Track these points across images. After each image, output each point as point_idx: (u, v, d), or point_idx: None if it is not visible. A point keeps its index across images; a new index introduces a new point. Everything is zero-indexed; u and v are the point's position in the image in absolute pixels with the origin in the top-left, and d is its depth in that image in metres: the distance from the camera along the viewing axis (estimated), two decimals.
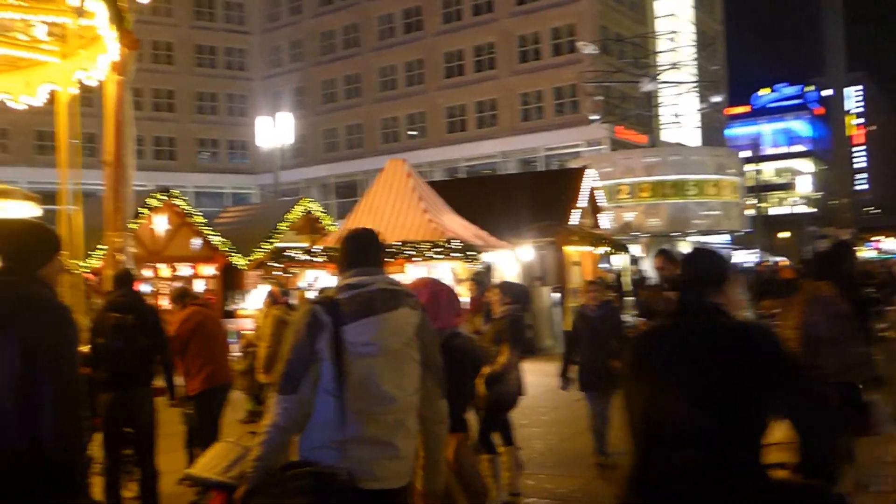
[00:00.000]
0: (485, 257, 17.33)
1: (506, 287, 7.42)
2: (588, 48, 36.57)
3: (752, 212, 46.74)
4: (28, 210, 12.06)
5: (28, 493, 2.97)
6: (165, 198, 22.70)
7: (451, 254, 16.39)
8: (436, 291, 4.66)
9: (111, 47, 12.20)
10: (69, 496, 3.09)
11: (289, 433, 3.24)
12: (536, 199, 21.76)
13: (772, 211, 67.56)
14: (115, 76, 12.73)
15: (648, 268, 26.78)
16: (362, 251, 3.50)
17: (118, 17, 11.79)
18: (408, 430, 3.34)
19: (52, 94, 13.99)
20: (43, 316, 3.07)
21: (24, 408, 2.95)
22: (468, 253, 16.43)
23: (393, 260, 16.25)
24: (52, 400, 2.97)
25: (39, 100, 14.37)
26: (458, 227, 18.95)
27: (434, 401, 3.47)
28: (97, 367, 6.60)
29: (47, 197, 19.23)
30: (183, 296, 8.35)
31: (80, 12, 10.37)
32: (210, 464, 3.63)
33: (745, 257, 48.17)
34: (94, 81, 13.45)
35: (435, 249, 16.42)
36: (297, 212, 26.35)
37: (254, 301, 18.45)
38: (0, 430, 2.96)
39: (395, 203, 19.42)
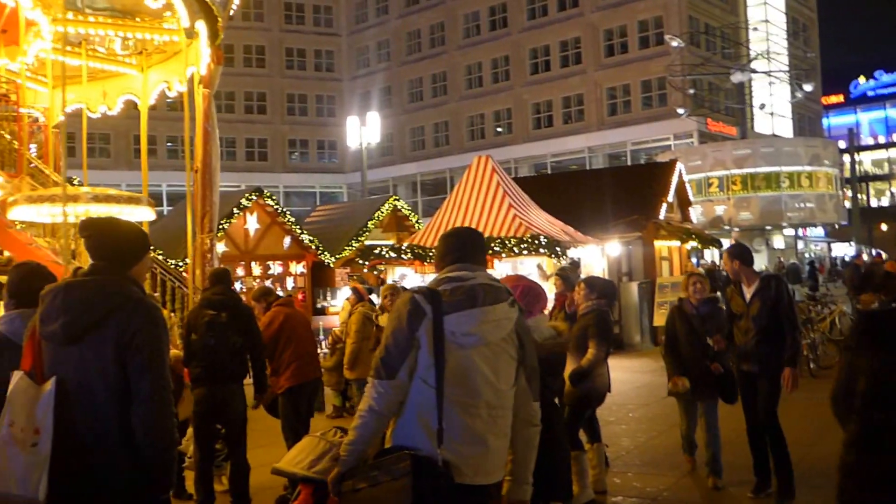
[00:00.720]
0: (571, 253, 17.14)
1: (592, 282, 7.28)
2: (675, 42, 35.78)
3: (848, 204, 44.91)
4: (149, 214, 12.65)
5: (121, 486, 3.06)
6: (257, 198, 23.22)
7: (538, 250, 16.28)
8: (523, 287, 4.66)
9: (202, 61, 12.69)
10: (161, 489, 3.18)
11: (384, 418, 3.26)
12: (624, 193, 21.42)
13: (871, 203, 64.91)
14: (203, 89, 13.29)
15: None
16: (464, 248, 3.52)
17: (214, 35, 12.26)
18: (501, 426, 3.32)
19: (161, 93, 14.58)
20: (135, 315, 3.14)
21: (117, 403, 3.06)
22: (554, 249, 16.28)
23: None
24: (144, 395, 3.06)
25: (116, 109, 15.01)
26: (545, 222, 18.81)
27: (527, 401, 3.46)
28: (190, 362, 6.79)
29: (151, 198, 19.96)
30: (265, 294, 8.49)
31: (190, 33, 10.71)
32: (296, 458, 3.67)
33: (843, 250, 46.35)
34: (174, 93, 13.95)
35: (521, 245, 16.34)
36: (384, 210, 26.60)
37: (342, 298, 18.70)
38: (95, 424, 3.05)
39: (482, 199, 19.38)
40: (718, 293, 11.89)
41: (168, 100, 14.47)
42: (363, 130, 34.73)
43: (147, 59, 13.97)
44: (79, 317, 3.11)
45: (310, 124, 53.81)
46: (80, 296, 3.17)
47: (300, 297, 23.73)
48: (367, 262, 20.02)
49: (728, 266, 6.94)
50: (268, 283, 23.05)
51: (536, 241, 16.39)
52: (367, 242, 24.26)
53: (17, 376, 3.22)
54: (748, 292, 6.79)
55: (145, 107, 13.58)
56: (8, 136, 13.45)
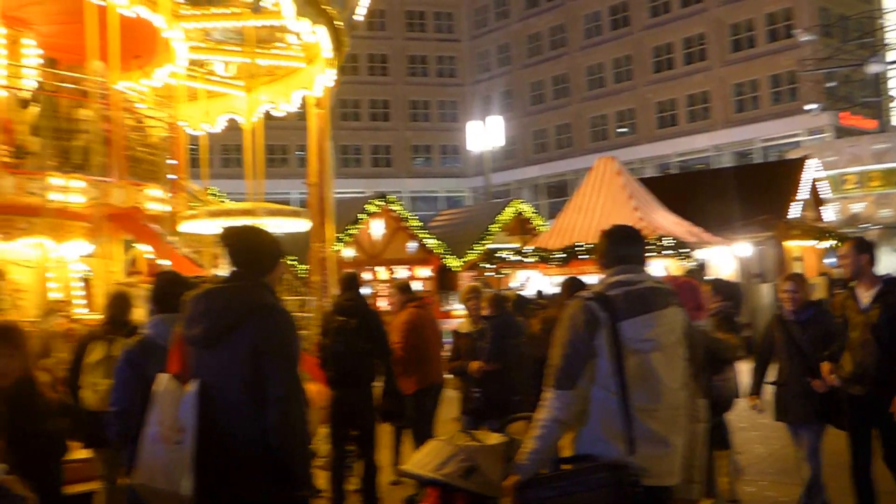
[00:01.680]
0: (698, 254, 16.75)
1: (717, 284, 7.13)
2: (805, 36, 34.26)
3: None
4: (306, 224, 13.34)
5: (260, 483, 3.19)
6: (382, 203, 23.74)
7: (663, 252, 16.01)
8: (686, 287, 4.65)
9: (316, 82, 13.12)
10: (294, 488, 3.30)
11: (565, 427, 3.29)
12: (753, 192, 20.75)
13: None
14: (317, 110, 13.97)
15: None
16: (625, 248, 3.55)
17: (338, 50, 12.74)
18: (680, 426, 3.35)
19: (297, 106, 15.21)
20: (268, 320, 3.25)
21: (253, 404, 3.17)
22: (680, 250, 15.97)
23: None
24: (277, 397, 3.16)
25: (218, 127, 15.72)
26: (670, 224, 18.47)
27: (695, 399, 3.49)
28: (324, 366, 7.04)
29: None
30: (406, 289, 8.58)
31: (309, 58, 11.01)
32: (424, 461, 3.73)
33: None
34: (284, 111, 14.45)
35: (646, 248, 16.11)
36: (508, 213, 26.67)
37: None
38: (234, 423, 3.19)
39: (605, 201, 19.21)
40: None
41: (299, 110, 15.07)
42: (485, 134, 34.89)
43: (278, 70, 14.58)
44: (217, 322, 3.24)
45: (433, 130, 54.47)
46: (218, 302, 3.30)
47: (427, 300, 24.04)
48: (491, 266, 20.12)
49: (850, 262, 5.77)
50: (401, 278, 23.50)
51: (662, 243, 16.11)
52: (491, 246, 24.36)
53: (163, 377, 3.41)
54: (865, 297, 5.67)
55: (247, 123, 14.14)
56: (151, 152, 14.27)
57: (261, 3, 10.82)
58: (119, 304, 6.12)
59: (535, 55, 51.83)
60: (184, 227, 13.51)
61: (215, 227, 13.09)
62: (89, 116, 10.70)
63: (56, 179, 10.14)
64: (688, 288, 4.62)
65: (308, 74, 14.03)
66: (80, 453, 5.83)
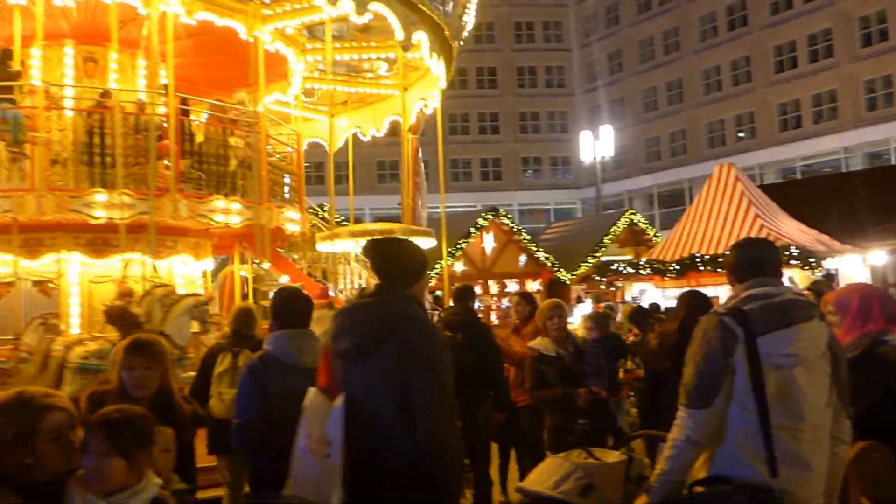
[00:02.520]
0: (827, 264, 15.86)
1: None
2: None
3: None
4: (433, 242, 13.89)
5: (409, 496, 3.16)
6: (493, 217, 23.63)
7: (788, 262, 15.23)
8: (867, 295, 4.35)
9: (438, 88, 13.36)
10: (444, 500, 3.25)
11: (700, 448, 3.19)
12: (889, 196, 19.57)
13: None
14: (411, 135, 14.50)
15: None
16: (759, 260, 3.41)
17: (448, 62, 12.92)
18: (823, 447, 3.20)
19: (392, 125, 15.61)
20: (414, 333, 3.23)
21: (401, 418, 3.15)
22: (808, 260, 15.14)
23: (723, 270, 15.47)
24: (425, 411, 3.13)
25: (383, 131, 16.25)
26: (796, 232, 17.61)
27: (840, 419, 3.32)
28: None
29: (388, 221, 21.12)
30: (530, 299, 8.47)
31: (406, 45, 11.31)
32: (541, 478, 3.70)
33: None
34: (430, 109, 14.70)
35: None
36: (620, 224, 26.18)
37: (578, 314, 18.46)
38: (382, 437, 3.17)
39: (724, 210, 18.52)
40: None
41: (423, 117, 15.44)
42: (596, 144, 34.42)
43: (404, 79, 14.86)
44: (364, 335, 3.25)
45: (542, 141, 54.14)
46: (365, 315, 3.32)
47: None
48: (604, 278, 19.70)
49: None
50: (504, 301, 23.30)
51: (787, 253, 15.36)
52: (604, 258, 23.94)
53: (312, 392, 3.47)
54: None
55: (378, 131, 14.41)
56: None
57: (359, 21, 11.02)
58: (243, 318, 6.40)
59: (647, 61, 50.81)
60: (323, 246, 14.10)
61: (352, 245, 13.78)
62: (238, 143, 11.50)
63: (220, 202, 10.86)
64: (863, 295, 4.14)
65: (413, 94, 14.40)
66: (206, 460, 6.11)
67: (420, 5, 11.23)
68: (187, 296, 9.21)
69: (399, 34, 10.95)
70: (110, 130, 10.33)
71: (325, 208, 18.10)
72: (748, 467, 3.06)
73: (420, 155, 15.89)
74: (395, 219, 20.71)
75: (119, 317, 7.57)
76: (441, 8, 11.79)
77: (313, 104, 15.92)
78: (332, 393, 3.36)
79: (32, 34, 10.89)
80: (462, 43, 13.75)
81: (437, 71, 12.80)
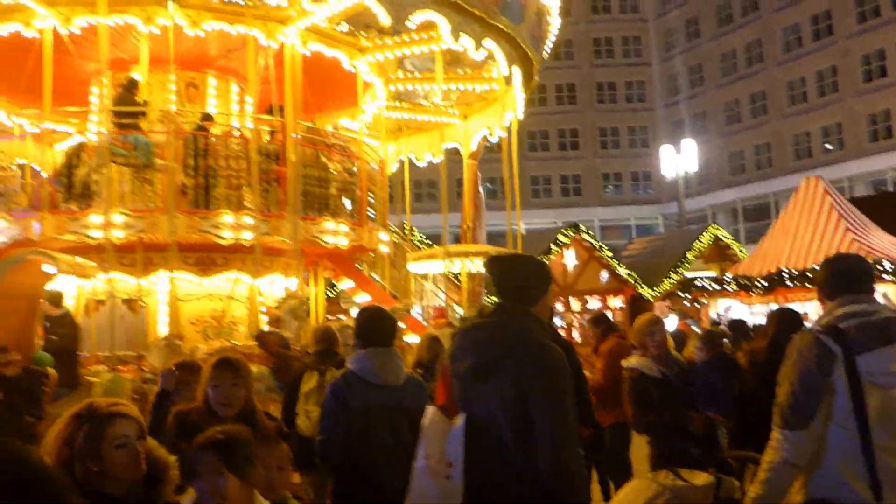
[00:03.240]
0: None
1: None
2: None
3: None
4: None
5: None
6: (574, 234, 23.54)
7: (881, 277, 14.78)
8: None
9: (517, 106, 13.55)
10: None
11: (797, 471, 3.11)
12: None
13: None
14: (470, 161, 14.77)
15: None
16: (851, 276, 3.33)
17: (528, 79, 13.13)
18: None
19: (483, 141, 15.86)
20: (534, 356, 3.11)
21: (521, 441, 3.05)
22: None
23: (812, 286, 15.08)
24: (546, 437, 3.01)
25: (439, 157, 16.48)
26: (888, 245, 17.06)
27: None
28: None
29: (433, 239, 21.31)
30: (600, 321, 8.39)
31: (507, 80, 11.56)
32: (628, 499, 3.70)
33: None
34: (495, 138, 14.91)
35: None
36: (704, 239, 25.75)
37: None
38: (502, 460, 3.08)
39: (813, 223, 18.07)
40: None
41: (486, 143, 15.56)
42: (678, 158, 33.93)
43: (468, 108, 15.06)
44: (484, 356, 3.16)
45: (623, 156, 53.59)
46: (484, 335, 3.23)
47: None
48: (688, 295, 19.41)
49: None
50: (586, 317, 23.14)
51: (879, 268, 14.89)
52: (688, 274, 23.58)
53: (430, 411, 3.37)
54: None
55: (466, 153, 14.58)
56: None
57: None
58: (327, 337, 6.45)
59: (729, 74, 49.87)
60: (415, 266, 14.48)
61: (446, 266, 14.16)
62: (336, 167, 11.95)
63: (330, 224, 11.34)
64: None
65: (511, 97, 14.51)
66: (294, 477, 6.11)
67: (523, 46, 11.73)
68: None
69: (504, 69, 11.39)
70: (227, 153, 10.90)
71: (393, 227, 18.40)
72: (850, 490, 2.97)
73: (479, 179, 16.24)
74: (436, 237, 20.97)
75: (272, 342, 7.79)
76: (536, 46, 12.10)
77: (447, 107, 16.25)
78: (450, 412, 3.29)
79: (137, 59, 11.47)
80: (548, 52, 13.95)
81: (519, 99, 13.12)
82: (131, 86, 11.42)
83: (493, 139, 15.10)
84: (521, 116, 13.61)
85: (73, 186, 10.67)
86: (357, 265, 14.56)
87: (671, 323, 20.05)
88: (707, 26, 51.32)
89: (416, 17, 10.25)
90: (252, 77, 11.38)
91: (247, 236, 10.43)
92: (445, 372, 3.40)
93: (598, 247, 24.39)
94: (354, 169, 12.61)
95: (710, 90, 51.08)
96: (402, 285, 16.84)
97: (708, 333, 7.05)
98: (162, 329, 11.24)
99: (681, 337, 12.10)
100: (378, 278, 16.56)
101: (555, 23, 13.19)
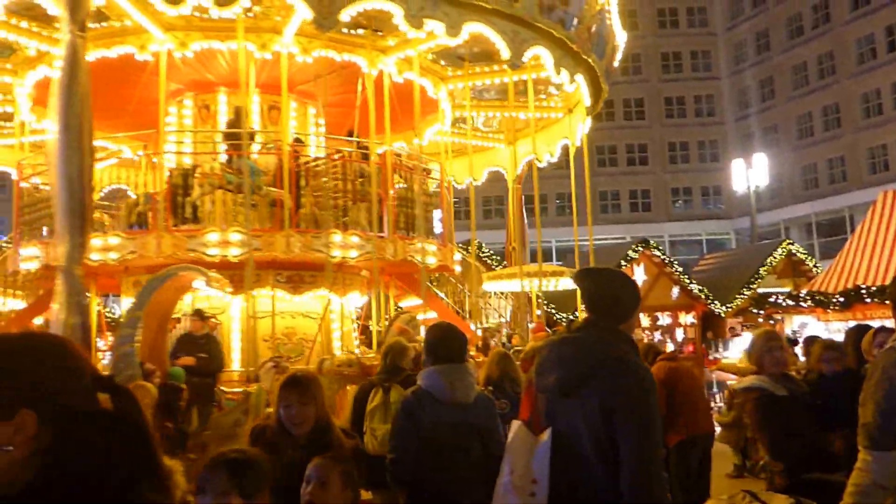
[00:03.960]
0: None
1: None
2: None
3: None
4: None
5: None
6: (643, 249, 23.44)
7: None
8: None
9: (585, 124, 13.69)
10: None
11: (886, 493, 2.99)
12: None
13: None
14: (515, 185, 15.05)
15: None
16: None
17: (596, 99, 13.24)
18: None
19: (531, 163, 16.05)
20: (621, 374, 3.07)
21: (604, 461, 3.01)
22: None
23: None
24: (630, 458, 2.96)
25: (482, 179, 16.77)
26: None
27: None
28: None
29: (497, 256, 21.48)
30: (647, 353, 8.48)
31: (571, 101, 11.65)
32: None
33: None
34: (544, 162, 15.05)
35: None
36: (777, 255, 25.34)
37: (736, 349, 18.02)
38: (586, 478, 3.06)
39: (892, 238, 17.68)
40: None
41: (554, 160, 15.75)
42: (749, 173, 33.50)
43: (512, 135, 15.42)
44: (569, 372, 3.14)
45: (692, 171, 52.99)
46: (571, 351, 3.20)
47: (689, 348, 23.33)
48: (762, 311, 19.16)
49: None
50: (657, 334, 23.01)
51: None
52: (761, 290, 23.23)
53: (515, 425, 3.35)
54: None
55: (508, 175, 14.80)
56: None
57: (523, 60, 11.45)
58: (395, 353, 6.36)
59: (801, 86, 48.98)
60: (490, 285, 14.78)
61: (516, 286, 14.45)
62: (415, 188, 12.28)
63: (420, 244, 11.73)
64: None
65: (564, 127, 14.72)
66: (363, 495, 6.25)
67: (600, 79, 11.87)
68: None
69: (505, 53, 10.93)
70: (334, 175, 11.36)
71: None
72: None
73: (523, 202, 16.63)
74: (500, 253, 21.12)
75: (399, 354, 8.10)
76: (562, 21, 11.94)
77: (494, 132, 16.63)
78: (534, 427, 3.26)
79: (220, 83, 11.91)
80: (616, 64, 14.01)
81: (572, 87, 12.93)
82: (239, 112, 11.88)
83: (542, 164, 15.24)
84: (588, 101, 13.62)
85: (182, 209, 11.02)
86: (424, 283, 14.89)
87: (744, 340, 19.78)
88: (777, 39, 50.55)
89: (529, 52, 10.71)
90: (323, 99, 11.65)
91: (353, 255, 10.76)
92: (531, 386, 3.38)
93: (668, 262, 24.21)
94: (435, 187, 12.96)
95: (781, 103, 50.24)
96: (472, 302, 17.06)
97: (834, 343, 6.55)
98: (235, 345, 11.59)
99: None
100: (444, 296, 16.85)
101: (618, 57, 13.39)
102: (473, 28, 9.93)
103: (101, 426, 1.57)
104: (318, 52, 11.57)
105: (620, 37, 13.39)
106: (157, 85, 11.01)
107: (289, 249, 10.47)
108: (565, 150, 15.13)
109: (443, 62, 13.21)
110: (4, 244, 18.79)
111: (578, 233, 14.83)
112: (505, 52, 10.41)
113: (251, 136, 11.51)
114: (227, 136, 11.58)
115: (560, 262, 35.74)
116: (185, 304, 11.29)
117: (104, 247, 10.49)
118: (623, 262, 22.69)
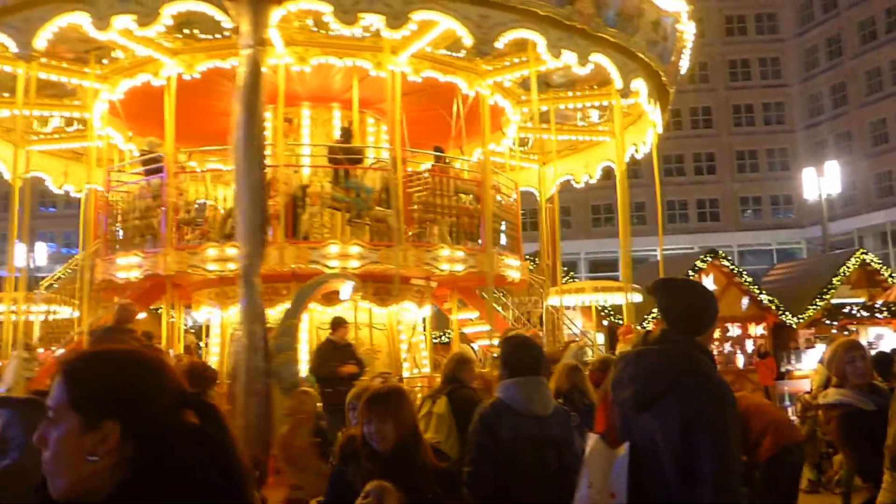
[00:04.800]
0: None
1: None
2: None
3: None
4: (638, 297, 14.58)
5: None
6: (712, 259, 23.17)
7: None
8: None
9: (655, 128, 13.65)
10: None
11: None
12: None
13: None
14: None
15: None
16: None
17: (664, 105, 13.23)
18: None
19: (605, 169, 16.03)
20: (701, 390, 3.00)
21: (682, 477, 2.95)
22: None
23: None
24: (709, 476, 2.89)
25: (596, 177, 16.71)
26: None
27: None
28: None
29: (604, 265, 21.30)
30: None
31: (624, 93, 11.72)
32: None
33: None
34: (640, 154, 14.98)
35: None
36: (850, 264, 24.77)
37: (809, 361, 17.72)
38: (663, 494, 3.01)
39: None
40: None
41: (592, 181, 15.82)
42: (821, 181, 32.82)
43: (613, 125, 15.24)
44: (646, 385, 3.09)
45: (761, 180, 51.99)
46: (648, 364, 3.15)
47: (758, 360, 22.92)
48: (835, 322, 18.77)
49: None
50: (726, 345, 22.69)
51: None
52: (834, 301, 22.72)
53: (593, 439, 3.32)
54: None
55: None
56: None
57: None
58: (459, 364, 6.30)
59: (875, 92, 47.73)
60: (556, 299, 14.96)
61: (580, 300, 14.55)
62: (495, 200, 12.65)
63: (510, 259, 12.16)
64: None
65: (607, 148, 14.94)
66: None
67: (639, 53, 11.56)
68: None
69: (618, 83, 11.34)
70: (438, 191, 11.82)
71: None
72: None
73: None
74: (612, 263, 20.91)
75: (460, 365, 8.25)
76: (660, 55, 12.07)
77: (525, 153, 16.62)
78: (610, 439, 3.23)
79: (301, 97, 12.21)
80: (682, 74, 13.94)
81: (654, 116, 13.01)
82: (347, 132, 12.23)
83: (639, 156, 15.12)
84: (660, 130, 13.63)
85: (296, 227, 11.36)
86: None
87: (818, 352, 19.42)
88: (850, 44, 49.38)
89: (634, 83, 11.30)
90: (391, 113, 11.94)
91: (459, 269, 11.10)
92: (607, 398, 3.38)
93: (737, 272, 23.87)
94: (513, 197, 13.17)
95: (854, 110, 49.04)
96: (532, 315, 17.11)
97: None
98: (304, 357, 11.85)
99: None
100: (500, 309, 16.97)
101: (688, 29, 12.87)
102: (596, 59, 10.73)
103: (184, 443, 1.59)
104: (426, 73, 12.01)
105: (687, 63, 13.50)
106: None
107: (405, 263, 10.83)
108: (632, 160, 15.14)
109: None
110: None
111: (647, 243, 14.79)
112: (619, 83, 11.23)
113: (360, 153, 11.92)
114: (335, 151, 12.04)
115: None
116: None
117: (220, 257, 10.81)
118: (691, 273, 22.45)
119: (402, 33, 10.06)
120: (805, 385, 15.41)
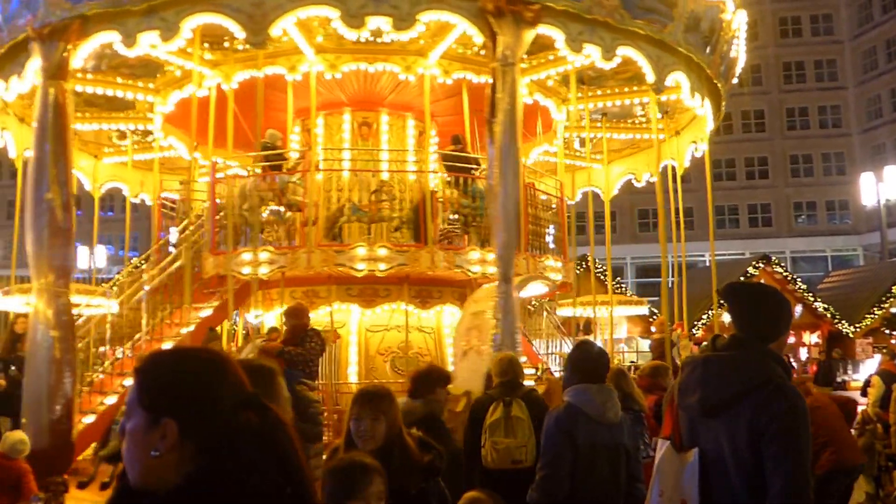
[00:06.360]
0: None
1: None
2: None
3: None
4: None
5: None
6: (764, 265, 22.66)
7: None
8: None
9: (707, 129, 13.27)
10: None
11: None
12: None
13: None
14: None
15: None
16: None
17: (717, 107, 12.83)
18: None
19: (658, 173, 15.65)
20: (773, 399, 2.91)
21: (749, 487, 2.88)
22: None
23: None
24: (778, 488, 2.82)
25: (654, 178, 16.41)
26: None
27: None
28: None
29: (652, 269, 20.91)
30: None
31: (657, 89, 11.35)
32: None
33: None
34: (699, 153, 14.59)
35: None
36: None
37: (867, 371, 17.14)
38: (726, 499, 2.95)
39: None
40: None
41: (653, 180, 15.42)
42: (880, 186, 31.90)
43: (676, 123, 14.81)
44: (714, 392, 3.01)
45: (816, 185, 50.80)
46: (716, 371, 3.06)
47: (813, 368, 22.33)
48: (894, 332, 18.17)
49: None
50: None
51: None
52: (893, 310, 22.02)
53: (663, 445, 3.28)
54: None
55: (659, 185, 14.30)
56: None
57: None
58: (511, 368, 6.24)
59: None
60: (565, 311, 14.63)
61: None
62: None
63: (550, 262, 12.03)
64: None
65: (684, 138, 14.35)
66: None
67: (677, 47, 10.97)
68: None
69: (650, 76, 10.77)
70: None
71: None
72: None
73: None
74: (659, 268, 20.45)
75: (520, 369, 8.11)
76: (702, 47, 11.51)
77: (589, 153, 16.30)
78: (676, 445, 3.17)
79: (320, 105, 12.18)
80: (736, 80, 13.48)
81: (702, 111, 12.49)
82: (458, 140, 12.32)
83: (699, 154, 14.61)
84: (711, 126, 13.17)
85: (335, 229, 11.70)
86: None
87: (874, 362, 18.81)
88: None
89: (671, 77, 10.89)
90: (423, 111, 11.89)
91: (491, 271, 10.75)
92: (673, 402, 3.30)
93: (790, 279, 23.29)
94: (554, 205, 13.00)
95: None
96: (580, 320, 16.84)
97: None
98: (353, 359, 11.78)
99: (890, 378, 11.37)
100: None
101: (739, 19, 12.22)
102: (624, 52, 10.34)
103: (243, 443, 1.65)
104: (458, 74, 11.98)
105: (742, 58, 13.00)
106: (284, 105, 11.90)
107: (433, 265, 10.75)
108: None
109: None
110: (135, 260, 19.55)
111: (696, 248, 14.40)
112: (650, 76, 10.72)
113: (475, 161, 12.09)
114: (447, 159, 12.29)
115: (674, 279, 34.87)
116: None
117: (369, 256, 10.74)
118: (742, 279, 21.96)
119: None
120: (860, 396, 14.85)
